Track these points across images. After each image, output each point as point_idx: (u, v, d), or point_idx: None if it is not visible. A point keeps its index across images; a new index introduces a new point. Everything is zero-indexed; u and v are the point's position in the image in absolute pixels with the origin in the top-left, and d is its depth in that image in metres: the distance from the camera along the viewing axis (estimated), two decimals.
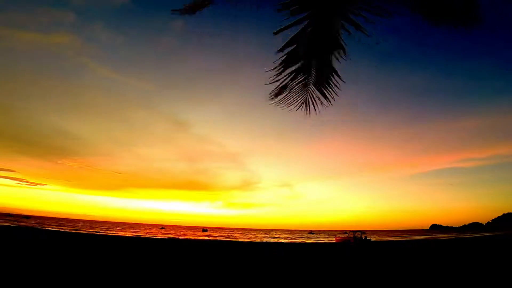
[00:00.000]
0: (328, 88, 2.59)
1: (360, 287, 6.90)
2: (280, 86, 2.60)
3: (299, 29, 2.37)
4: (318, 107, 2.63)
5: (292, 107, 2.72)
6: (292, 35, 2.38)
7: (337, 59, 2.52)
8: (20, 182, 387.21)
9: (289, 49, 2.43)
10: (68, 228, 49.53)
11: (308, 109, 2.67)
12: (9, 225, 37.92)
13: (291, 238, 55.50)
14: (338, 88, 2.50)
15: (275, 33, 2.36)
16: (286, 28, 2.35)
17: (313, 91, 2.72)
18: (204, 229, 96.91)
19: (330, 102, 2.55)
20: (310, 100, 2.68)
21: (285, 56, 2.45)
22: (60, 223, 77.12)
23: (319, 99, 2.60)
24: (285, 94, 2.67)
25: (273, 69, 2.47)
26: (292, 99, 2.70)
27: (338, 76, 2.54)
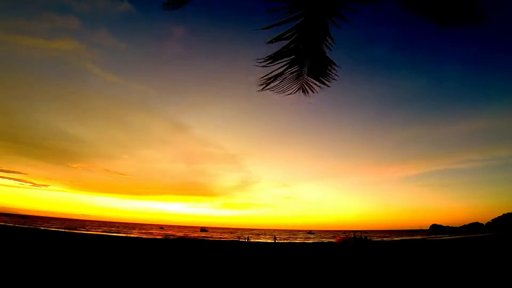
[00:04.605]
0: (325, 75, 2.68)
1: (359, 286, 6.95)
2: (273, 75, 2.60)
3: (290, 27, 2.39)
4: (315, 90, 2.72)
5: (285, 93, 2.78)
6: (283, 32, 2.39)
7: (328, 47, 2.57)
8: (24, 183, 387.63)
9: (281, 43, 2.44)
10: (64, 228, 49.58)
11: (306, 93, 2.76)
12: (15, 226, 38.06)
13: (291, 238, 55.52)
14: (335, 73, 2.60)
15: (270, 42, 2.40)
16: (280, 36, 2.38)
17: (307, 79, 2.79)
18: (203, 229, 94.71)
19: (327, 85, 2.63)
20: (306, 86, 2.77)
21: (277, 50, 2.45)
22: (62, 223, 77.14)
23: (316, 85, 2.69)
24: (278, 82, 2.69)
25: (264, 61, 2.49)
26: (286, 86, 2.75)
27: (334, 64, 2.63)
